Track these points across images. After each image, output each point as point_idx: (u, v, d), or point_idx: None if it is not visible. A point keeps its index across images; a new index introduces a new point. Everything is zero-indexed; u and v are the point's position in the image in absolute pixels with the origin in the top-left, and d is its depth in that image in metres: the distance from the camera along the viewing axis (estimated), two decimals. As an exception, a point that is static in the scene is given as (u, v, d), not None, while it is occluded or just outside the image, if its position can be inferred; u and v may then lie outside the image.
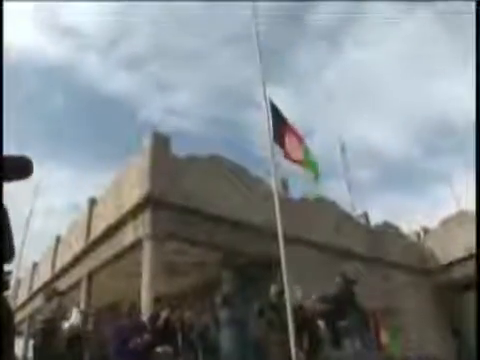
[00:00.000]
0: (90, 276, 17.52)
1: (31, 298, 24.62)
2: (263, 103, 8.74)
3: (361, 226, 22.61)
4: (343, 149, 28.05)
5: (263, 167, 15.89)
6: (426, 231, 26.44)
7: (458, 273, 22.34)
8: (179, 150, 15.73)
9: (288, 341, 6.75)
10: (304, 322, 7.96)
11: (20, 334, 22.69)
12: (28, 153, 1.76)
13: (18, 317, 23.99)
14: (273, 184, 8.34)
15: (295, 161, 8.73)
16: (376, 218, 27.64)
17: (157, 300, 10.14)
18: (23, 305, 25.82)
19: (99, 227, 16.93)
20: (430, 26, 73.15)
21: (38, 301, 20.17)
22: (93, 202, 19.11)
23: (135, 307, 8.49)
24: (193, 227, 14.39)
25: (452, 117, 70.22)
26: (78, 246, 18.52)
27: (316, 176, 9.02)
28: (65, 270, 19.84)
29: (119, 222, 15.30)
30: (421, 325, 20.42)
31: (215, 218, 14.94)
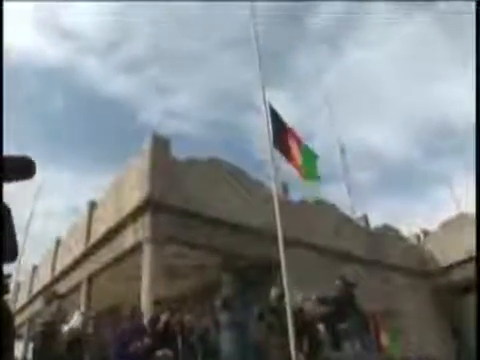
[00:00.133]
0: (90, 279, 17.50)
1: (31, 301, 24.59)
2: (262, 107, 8.75)
3: (361, 229, 22.60)
4: (343, 152, 28.07)
5: (263, 170, 15.92)
6: (426, 234, 26.43)
7: (458, 276, 22.32)
8: (179, 153, 15.75)
9: (288, 344, 6.75)
10: (304, 325, 7.96)
11: (20, 337, 22.66)
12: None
13: (18, 320, 23.95)
14: (273, 187, 8.35)
15: (296, 167, 8.73)
16: (376, 221, 27.68)
17: (157, 303, 10.12)
18: (23, 308, 25.78)
19: (99, 230, 16.92)
20: (430, 28, 73.30)
21: (38, 304, 20.16)
22: (93, 205, 19.11)
23: (137, 310, 8.49)
24: (193, 230, 14.38)
25: (452, 119, 70.32)
26: (78, 249, 18.51)
27: (316, 179, 9.01)
28: (65, 273, 19.82)
29: (119, 225, 15.29)
30: (421, 327, 20.39)
31: (215, 221, 14.94)
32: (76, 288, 18.14)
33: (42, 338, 6.39)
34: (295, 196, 19.74)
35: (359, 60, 73.22)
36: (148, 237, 13.72)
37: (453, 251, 22.71)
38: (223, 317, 7.23)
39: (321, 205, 20.73)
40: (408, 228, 27.26)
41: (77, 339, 7.55)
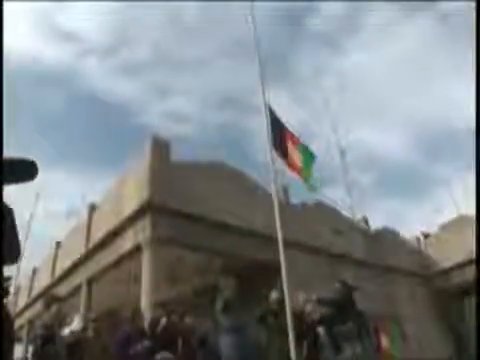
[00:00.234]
0: (90, 282, 17.49)
1: (30, 304, 24.55)
2: (263, 110, 8.74)
3: (361, 231, 22.60)
4: (343, 154, 28.07)
5: (263, 172, 15.91)
6: (426, 236, 26.42)
7: (458, 278, 22.32)
8: (179, 155, 15.76)
9: (288, 347, 6.74)
10: (304, 328, 7.95)
11: (19, 340, 22.61)
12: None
13: (17, 323, 23.93)
14: (273, 190, 8.34)
15: (295, 170, 8.72)
16: (376, 223, 27.65)
17: (158, 306, 10.11)
18: (22, 311, 25.74)
19: (99, 233, 16.91)
20: (431, 30, 73.40)
21: (37, 307, 20.14)
22: (93, 208, 19.11)
23: (137, 312, 8.47)
24: (193, 233, 14.38)
25: (452, 121, 70.27)
26: (78, 252, 18.49)
27: (314, 184, 8.99)
28: (65, 276, 19.80)
29: (119, 228, 15.29)
30: (421, 329, 20.36)
31: (215, 224, 14.94)
32: (76, 291, 18.12)
33: (41, 341, 6.37)
34: (295, 198, 19.76)
35: (360, 62, 73.31)
36: (148, 240, 13.72)
37: (453, 254, 22.69)
38: (223, 320, 7.21)
39: (321, 208, 20.73)
40: (408, 230, 27.29)
41: (77, 342, 7.53)
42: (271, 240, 9.34)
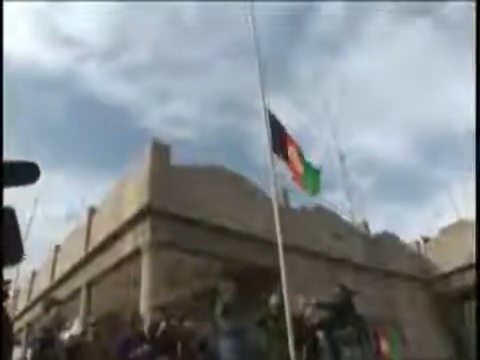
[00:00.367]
0: (89, 285, 17.47)
1: (30, 307, 24.51)
2: (262, 114, 8.74)
3: (361, 235, 22.59)
4: (342, 158, 28.06)
5: (263, 176, 15.92)
6: (426, 240, 26.41)
7: (458, 282, 22.31)
8: (179, 159, 15.78)
9: (288, 351, 6.72)
10: (304, 332, 7.94)
11: (18, 343, 22.57)
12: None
13: (16, 326, 23.88)
14: (273, 194, 8.34)
15: (296, 174, 8.72)
16: (376, 227, 27.67)
17: (158, 310, 10.09)
18: (22, 314, 25.71)
19: (98, 236, 16.90)
20: (431, 34, 73.55)
21: (37, 310, 20.11)
22: (92, 211, 19.11)
23: (137, 316, 8.46)
24: (192, 237, 14.37)
25: (452, 125, 70.40)
26: (77, 255, 18.48)
27: (315, 190, 8.99)
28: (64, 279, 19.78)
29: (119, 231, 15.28)
30: (421, 334, 20.34)
31: (215, 228, 14.94)
32: (75, 294, 18.10)
33: (40, 344, 6.36)
34: (295, 202, 19.76)
35: (360, 65, 73.39)
36: (148, 243, 13.71)
37: (453, 258, 22.68)
38: (223, 324, 7.19)
39: (321, 212, 20.73)
40: (408, 235, 27.29)
41: (77, 346, 7.53)
42: (271, 244, 9.33)
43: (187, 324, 9.14)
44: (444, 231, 24.96)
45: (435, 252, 24.60)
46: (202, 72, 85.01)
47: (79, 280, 18.12)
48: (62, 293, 18.73)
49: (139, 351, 7.20)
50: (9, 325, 2.33)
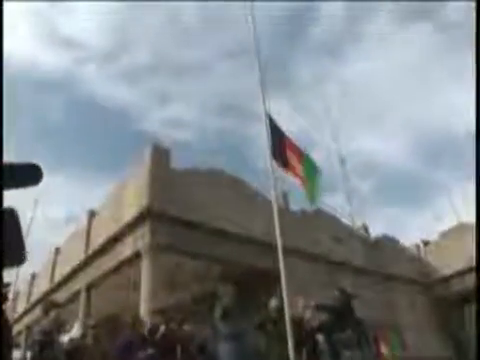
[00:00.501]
0: (89, 288, 17.45)
1: (29, 310, 24.49)
2: (263, 117, 8.75)
3: (360, 239, 22.58)
4: (343, 161, 28.10)
5: (263, 179, 15.93)
6: (426, 244, 26.40)
7: (458, 285, 22.29)
8: (179, 162, 15.78)
9: (287, 354, 6.72)
10: (304, 335, 7.93)
11: (17, 346, 22.55)
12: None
13: (16, 328, 23.86)
14: (272, 197, 8.33)
15: (296, 176, 8.72)
16: (375, 230, 27.65)
17: (157, 313, 10.09)
18: (21, 317, 25.68)
19: (98, 239, 16.89)
20: (431, 37, 73.60)
21: (36, 313, 20.09)
22: (92, 214, 19.10)
23: (138, 320, 8.46)
24: (192, 240, 14.37)
25: (453, 128, 70.41)
26: (77, 258, 18.46)
27: (315, 194, 9.00)
28: (64, 282, 19.76)
29: (118, 234, 15.28)
30: (421, 338, 20.31)
31: (215, 231, 14.93)
32: (75, 297, 18.08)
33: (40, 347, 6.35)
34: (295, 205, 19.76)
35: (360, 68, 73.49)
36: (147, 246, 13.70)
37: (453, 261, 22.67)
38: (222, 327, 7.19)
39: (321, 215, 20.72)
40: (408, 238, 27.30)
41: (76, 349, 7.52)
42: (270, 247, 9.33)
43: (186, 327, 9.13)
44: (444, 234, 24.96)
45: (435, 255, 24.60)
46: (202, 74, 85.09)
47: (79, 283, 18.10)
48: (62, 296, 18.71)
49: (142, 355, 7.20)
50: (8, 328, 2.33)
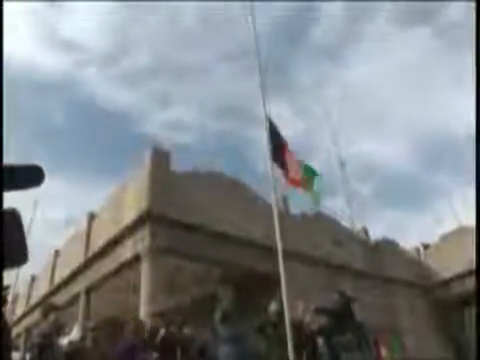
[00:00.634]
0: (89, 291, 17.43)
1: (28, 312, 24.46)
2: (263, 120, 8.76)
3: (360, 242, 22.57)
4: (343, 164, 28.08)
5: (263, 182, 15.93)
6: (426, 247, 26.38)
7: (458, 289, 22.27)
8: (179, 165, 15.78)
9: (288, 357, 6.71)
10: (304, 338, 7.92)
11: (16, 348, 22.51)
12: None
13: (15, 331, 23.82)
14: (273, 200, 8.33)
15: (295, 182, 8.73)
16: (375, 233, 27.65)
17: (157, 315, 10.07)
18: (20, 319, 25.65)
19: (98, 242, 16.88)
20: (430, 40, 73.72)
21: (35, 315, 20.06)
22: (92, 216, 19.09)
23: (140, 324, 8.45)
24: (192, 243, 14.36)
25: (453, 131, 70.46)
26: (77, 260, 18.45)
27: (316, 197, 9.01)
28: (63, 284, 19.74)
29: (118, 237, 15.27)
30: (420, 341, 20.28)
31: (215, 234, 14.93)
32: (74, 299, 18.06)
33: (39, 350, 6.35)
34: (295, 208, 19.75)
35: (361, 72, 73.56)
36: (147, 249, 13.69)
37: (453, 264, 22.65)
38: (222, 330, 7.17)
39: (321, 218, 20.72)
40: (408, 241, 27.29)
41: (76, 351, 7.51)
42: (270, 250, 9.33)
43: (186, 330, 9.11)
44: (444, 237, 24.94)
45: (435, 258, 24.58)
46: (202, 77, 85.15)
47: (78, 285, 18.08)
48: (61, 298, 18.69)
49: (145, 359, 7.19)
50: (8, 330, 2.32)
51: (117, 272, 15.78)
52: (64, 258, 21.37)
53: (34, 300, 24.08)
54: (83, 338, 8.39)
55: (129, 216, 14.74)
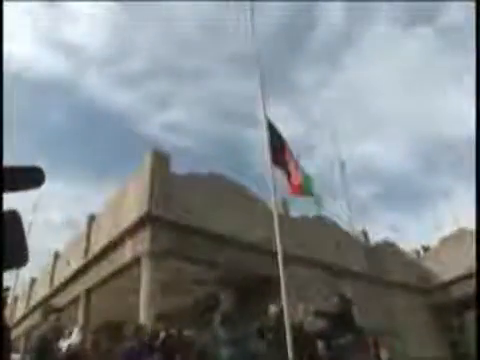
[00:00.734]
0: (88, 293, 17.41)
1: (28, 314, 24.43)
2: (262, 122, 8.76)
3: (360, 244, 22.56)
4: (342, 167, 28.11)
5: (263, 185, 15.92)
6: (426, 249, 26.41)
7: (458, 292, 22.24)
8: (179, 167, 15.78)
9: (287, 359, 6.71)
10: (303, 341, 7.91)
11: (16, 350, 22.49)
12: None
13: (15, 333, 23.81)
14: (273, 202, 8.33)
15: (295, 188, 8.72)
16: (375, 236, 27.63)
17: (157, 318, 10.07)
18: (20, 321, 25.62)
19: (98, 244, 16.87)
20: (430, 42, 73.82)
21: (35, 317, 20.04)
22: (92, 219, 19.08)
23: (141, 328, 8.44)
24: (192, 245, 14.35)
25: (453, 134, 70.51)
26: (76, 263, 18.43)
27: (316, 200, 9.02)
28: (63, 287, 19.72)
29: (118, 239, 15.25)
30: (420, 343, 20.26)
31: (215, 236, 14.91)
32: (74, 302, 18.04)
33: (38, 352, 6.34)
34: (295, 211, 19.75)
35: (361, 74, 73.63)
36: (147, 252, 13.68)
37: (453, 267, 22.65)
38: (222, 333, 7.17)
39: (321, 221, 20.71)
40: (408, 244, 27.32)
41: (75, 354, 7.50)
42: (270, 253, 9.32)
43: (186, 333, 9.11)
44: (444, 240, 24.94)
45: (435, 261, 24.56)
46: (202, 79, 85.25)
47: (78, 288, 18.06)
48: (61, 300, 18.67)
49: None
50: (7, 332, 2.31)
51: (117, 274, 15.75)
52: (64, 260, 21.35)
53: (34, 302, 24.05)
54: (83, 341, 8.39)
55: (129, 218, 14.73)
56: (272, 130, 8.74)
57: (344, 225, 22.84)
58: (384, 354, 15.35)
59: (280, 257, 7.49)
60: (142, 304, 12.99)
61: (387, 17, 72.46)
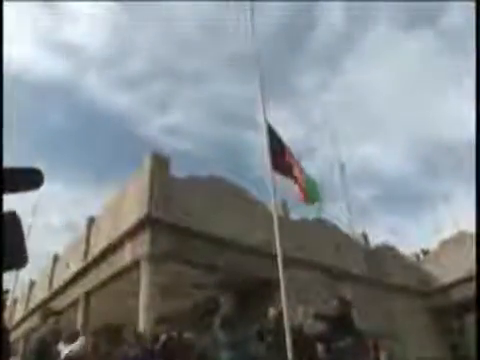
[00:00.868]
0: (88, 296, 17.37)
1: (27, 317, 24.38)
2: (262, 125, 8.75)
3: (360, 247, 22.55)
4: (342, 169, 28.12)
5: (263, 188, 15.93)
6: (425, 252, 26.39)
7: (458, 295, 22.21)
8: (179, 170, 15.78)
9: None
10: (303, 344, 7.90)
11: (15, 353, 22.44)
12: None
13: (13, 336, 23.74)
14: (272, 205, 8.32)
15: (300, 190, 8.71)
16: (375, 239, 27.63)
17: (157, 321, 10.06)
18: (19, 324, 25.56)
19: (97, 246, 16.85)
20: (430, 45, 73.92)
21: (34, 320, 19.99)
22: (91, 221, 19.06)
23: (142, 336, 8.43)
24: (192, 248, 14.34)
25: (453, 136, 70.56)
26: (76, 265, 18.40)
27: (319, 204, 9.03)
28: (62, 289, 19.68)
29: (118, 242, 15.23)
30: (420, 346, 20.23)
31: (215, 239, 14.90)
32: (73, 304, 18.00)
33: (37, 354, 6.32)
34: (295, 214, 19.75)
35: (360, 77, 73.70)
36: (147, 255, 13.66)
37: (453, 270, 22.63)
38: (222, 335, 7.16)
39: (321, 224, 20.70)
40: (408, 246, 27.33)
41: (75, 357, 7.48)
42: (270, 256, 9.31)
43: (186, 336, 9.09)
44: (444, 243, 24.92)
45: (435, 264, 24.55)
46: (202, 82, 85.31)
47: (77, 290, 18.03)
48: (60, 303, 18.64)
49: None
50: (6, 335, 2.30)
51: (116, 277, 15.73)
52: (63, 263, 21.32)
53: (33, 305, 24.00)
54: (84, 349, 8.37)
55: (128, 221, 14.72)
56: (272, 134, 8.74)
57: (344, 228, 22.89)
58: (384, 357, 15.34)
59: (280, 260, 7.48)
60: (141, 307, 12.96)
61: (387, 18, 72.60)
